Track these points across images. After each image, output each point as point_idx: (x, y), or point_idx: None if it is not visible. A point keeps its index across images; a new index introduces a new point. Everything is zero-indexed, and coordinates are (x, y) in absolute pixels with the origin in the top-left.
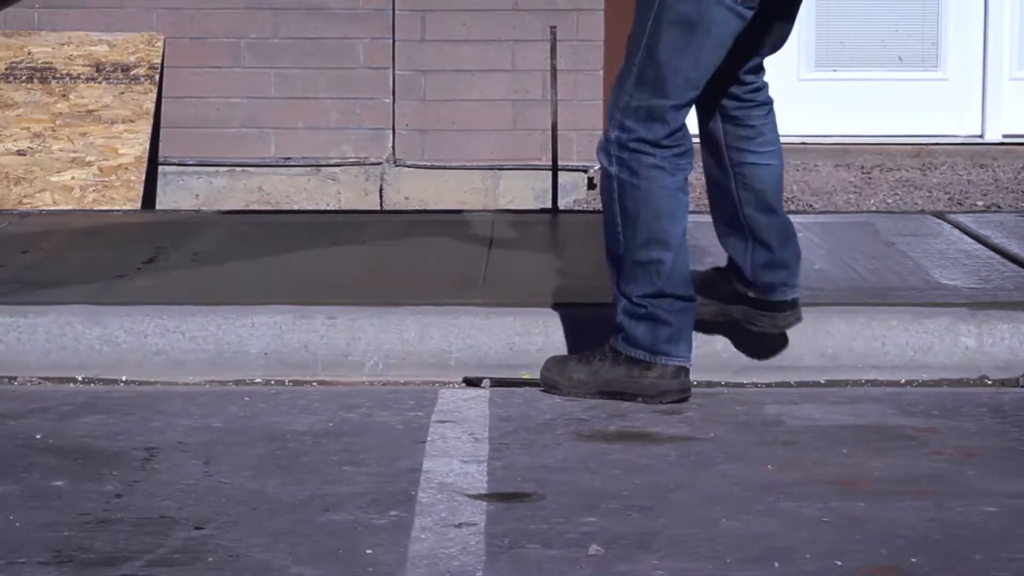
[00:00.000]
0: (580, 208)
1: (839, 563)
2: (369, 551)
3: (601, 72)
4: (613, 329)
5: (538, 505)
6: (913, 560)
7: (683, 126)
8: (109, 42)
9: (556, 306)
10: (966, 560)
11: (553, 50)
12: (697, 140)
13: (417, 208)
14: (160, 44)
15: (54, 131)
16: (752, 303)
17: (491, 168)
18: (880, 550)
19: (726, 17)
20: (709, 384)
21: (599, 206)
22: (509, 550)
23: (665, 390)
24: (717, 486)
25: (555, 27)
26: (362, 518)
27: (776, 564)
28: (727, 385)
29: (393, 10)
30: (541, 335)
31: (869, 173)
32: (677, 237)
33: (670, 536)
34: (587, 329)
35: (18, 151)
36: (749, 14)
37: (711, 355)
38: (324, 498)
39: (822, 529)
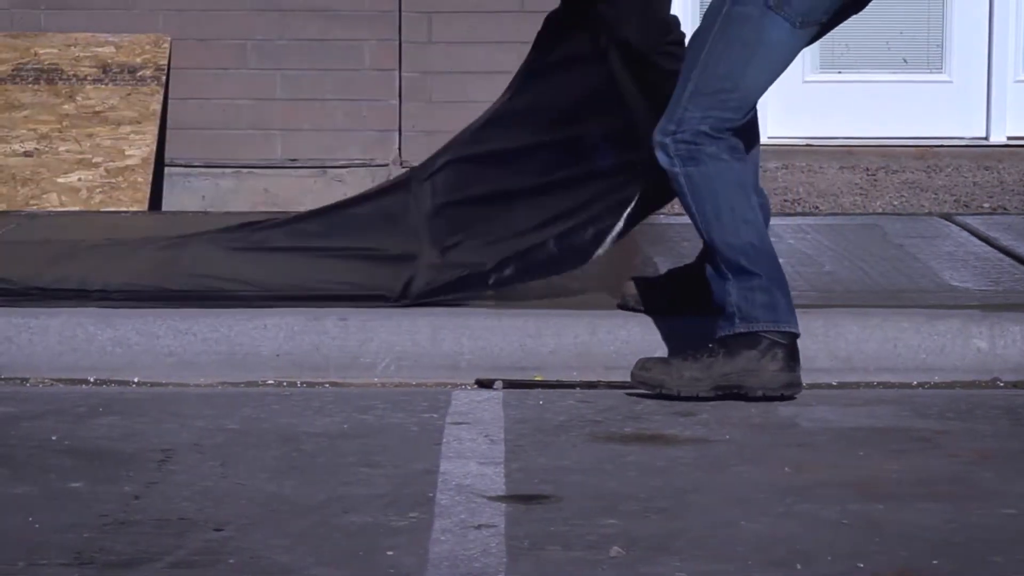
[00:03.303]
0: None
1: (861, 565)
2: (390, 552)
3: None
4: (723, 321)
5: (557, 507)
6: (934, 562)
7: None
8: (116, 43)
9: (567, 307)
10: (986, 563)
11: None
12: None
13: None
14: (167, 45)
15: (60, 132)
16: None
17: None
18: (900, 552)
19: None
20: None
21: None
22: (530, 552)
23: (787, 383)
24: (735, 488)
25: None
26: (381, 520)
27: (798, 566)
28: None
29: (399, 12)
30: (553, 337)
31: (874, 175)
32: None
33: (690, 538)
34: (598, 331)
35: (25, 152)
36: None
37: None
38: (342, 500)
39: (842, 531)
